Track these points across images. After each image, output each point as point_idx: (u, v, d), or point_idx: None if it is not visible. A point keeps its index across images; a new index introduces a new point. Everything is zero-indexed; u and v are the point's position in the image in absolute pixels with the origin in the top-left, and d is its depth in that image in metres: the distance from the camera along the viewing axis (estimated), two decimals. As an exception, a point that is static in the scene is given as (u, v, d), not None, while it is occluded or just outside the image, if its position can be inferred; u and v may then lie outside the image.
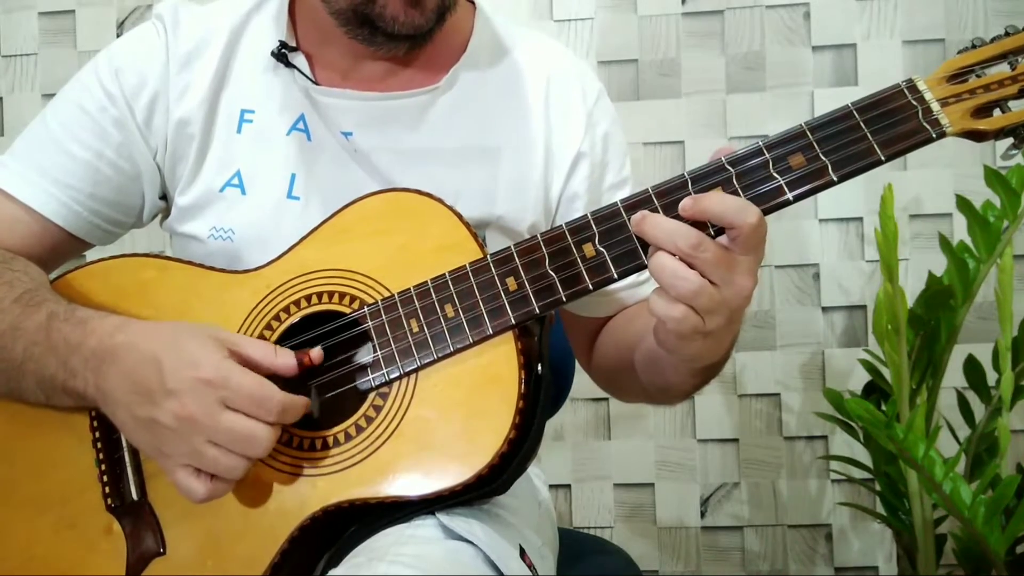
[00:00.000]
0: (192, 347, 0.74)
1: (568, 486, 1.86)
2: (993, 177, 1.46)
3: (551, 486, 1.16)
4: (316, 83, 0.93)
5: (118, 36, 1.87)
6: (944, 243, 1.52)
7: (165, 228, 0.98)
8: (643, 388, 0.92)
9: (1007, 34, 0.74)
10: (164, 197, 0.97)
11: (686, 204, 0.71)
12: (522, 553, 0.81)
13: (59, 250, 0.94)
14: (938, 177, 1.75)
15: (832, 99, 1.74)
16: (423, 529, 0.75)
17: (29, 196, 0.90)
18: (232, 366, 0.73)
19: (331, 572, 0.73)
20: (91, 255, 0.92)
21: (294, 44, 0.94)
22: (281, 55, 0.92)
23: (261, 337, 0.81)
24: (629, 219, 0.75)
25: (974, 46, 0.74)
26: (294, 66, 0.92)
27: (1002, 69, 0.73)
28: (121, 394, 0.75)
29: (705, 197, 0.71)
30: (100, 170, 0.92)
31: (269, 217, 0.91)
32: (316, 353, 0.77)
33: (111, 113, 0.92)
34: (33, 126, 0.94)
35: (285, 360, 0.75)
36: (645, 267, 0.75)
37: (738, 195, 0.73)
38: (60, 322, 0.79)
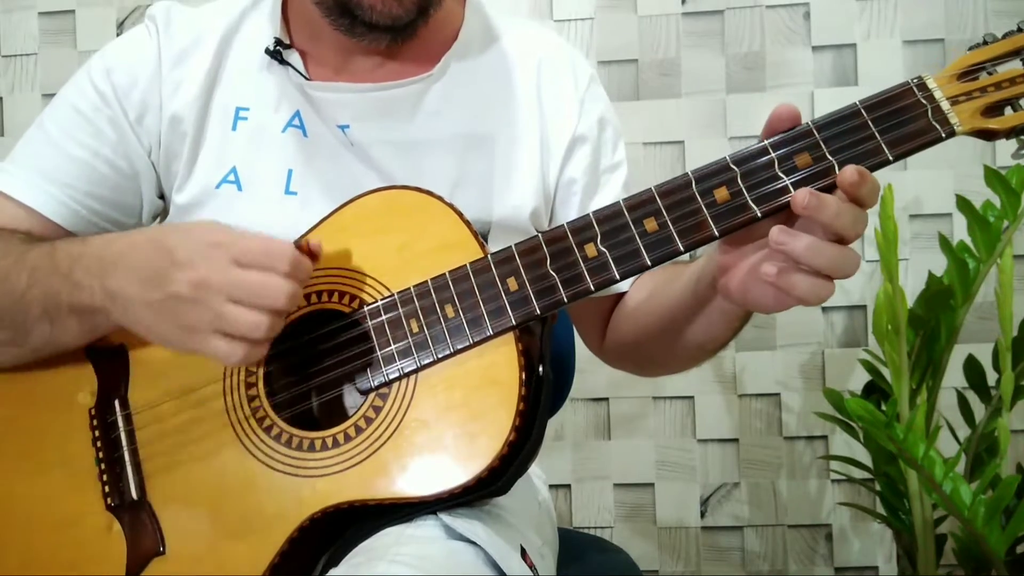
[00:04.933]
0: (194, 225, 0.76)
1: (568, 486, 1.86)
2: (993, 177, 1.46)
3: (551, 486, 1.16)
4: (309, 79, 0.93)
5: (118, 36, 1.88)
6: (944, 243, 1.52)
7: None
8: (684, 347, 0.90)
9: (1019, 30, 0.71)
10: (162, 196, 0.97)
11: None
12: (523, 553, 0.81)
13: None
14: (938, 177, 1.75)
15: (832, 99, 1.74)
16: (424, 529, 0.75)
17: (28, 197, 0.90)
18: (239, 231, 0.73)
19: (331, 572, 0.72)
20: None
21: (288, 42, 0.94)
22: (276, 52, 0.93)
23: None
24: (631, 220, 0.75)
25: (985, 42, 0.72)
26: (288, 63, 0.93)
27: (1014, 66, 0.71)
28: (132, 288, 0.75)
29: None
30: (97, 168, 0.92)
31: (268, 213, 0.91)
32: (315, 242, 0.76)
33: (105, 113, 0.92)
34: (30, 131, 0.95)
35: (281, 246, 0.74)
36: (648, 267, 0.74)
37: (742, 195, 0.72)
38: (64, 245, 0.81)
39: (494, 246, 0.79)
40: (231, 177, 0.93)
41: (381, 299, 0.79)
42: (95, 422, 0.82)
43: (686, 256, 0.76)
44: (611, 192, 0.99)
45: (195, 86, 0.93)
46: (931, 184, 1.75)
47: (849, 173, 0.68)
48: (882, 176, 1.54)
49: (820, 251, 0.68)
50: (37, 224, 0.91)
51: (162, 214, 0.99)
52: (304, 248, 0.75)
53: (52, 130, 0.93)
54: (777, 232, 0.69)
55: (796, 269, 0.69)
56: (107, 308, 0.77)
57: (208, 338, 0.73)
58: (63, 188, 0.91)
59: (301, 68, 0.93)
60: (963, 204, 1.49)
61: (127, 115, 0.92)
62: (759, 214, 0.72)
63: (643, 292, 0.97)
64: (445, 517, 0.75)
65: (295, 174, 0.92)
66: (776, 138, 0.72)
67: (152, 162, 0.94)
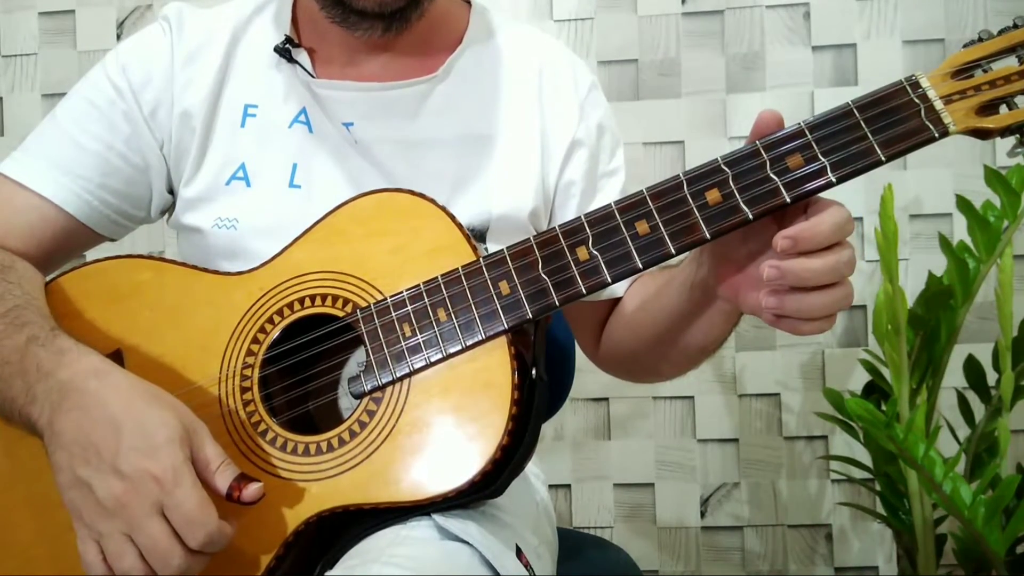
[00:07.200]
0: (158, 431, 0.70)
1: (568, 486, 1.86)
2: (993, 177, 1.45)
3: (551, 486, 1.16)
4: (315, 77, 0.95)
5: (118, 36, 1.89)
6: (944, 243, 1.52)
7: (172, 224, 0.99)
8: (684, 351, 0.91)
9: (1015, 26, 0.71)
10: (171, 191, 0.98)
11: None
12: (518, 553, 0.81)
13: (70, 240, 0.94)
14: (938, 177, 1.74)
15: (832, 99, 1.72)
16: (418, 530, 0.75)
17: (41, 185, 0.91)
18: (185, 473, 0.70)
19: (326, 574, 0.72)
20: (89, 255, 0.92)
21: (297, 41, 0.96)
22: (285, 50, 0.94)
23: (255, 341, 0.81)
24: (623, 222, 0.75)
25: (980, 39, 0.71)
26: (296, 61, 0.94)
27: (1009, 63, 0.70)
28: (70, 442, 0.72)
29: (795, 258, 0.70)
30: (110, 161, 0.93)
31: (272, 206, 0.92)
32: (250, 492, 0.72)
33: (120, 107, 0.94)
34: (43, 123, 0.96)
35: (219, 480, 0.71)
36: (639, 270, 0.75)
37: (733, 196, 0.72)
38: (38, 347, 0.77)
39: (494, 246, 0.79)
40: (240, 173, 0.94)
41: (374, 303, 0.79)
42: None
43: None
44: (607, 198, 0.99)
45: (205, 84, 0.94)
46: (931, 184, 1.75)
47: (780, 243, 0.69)
48: (882, 175, 1.55)
49: (810, 308, 0.71)
50: (50, 213, 0.92)
51: (170, 208, 1.00)
52: (235, 495, 0.71)
53: (66, 123, 0.94)
54: (766, 297, 0.72)
55: (801, 319, 0.72)
56: (44, 433, 0.74)
57: (88, 539, 0.71)
58: (77, 179, 0.92)
59: (308, 66, 0.95)
60: (963, 204, 1.49)
61: (141, 110, 0.94)
62: (751, 216, 0.72)
63: (637, 299, 0.97)
64: (439, 518, 0.75)
65: (299, 168, 0.93)
66: (768, 139, 0.72)
67: (164, 156, 0.96)
